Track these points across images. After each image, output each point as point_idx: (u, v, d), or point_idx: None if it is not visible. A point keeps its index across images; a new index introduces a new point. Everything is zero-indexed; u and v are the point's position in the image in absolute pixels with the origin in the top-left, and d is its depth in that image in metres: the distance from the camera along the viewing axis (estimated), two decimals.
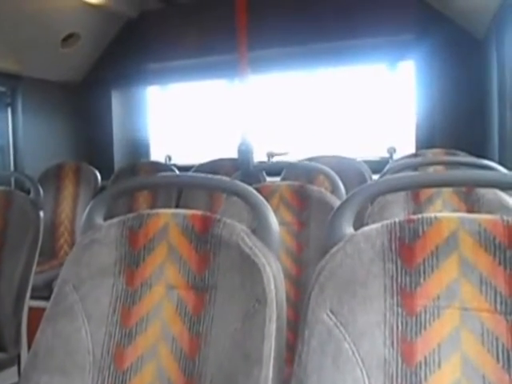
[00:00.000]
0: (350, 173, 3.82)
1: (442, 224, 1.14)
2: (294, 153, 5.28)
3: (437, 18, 4.38)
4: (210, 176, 1.54)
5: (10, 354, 2.42)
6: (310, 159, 3.96)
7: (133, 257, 1.43)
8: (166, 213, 1.45)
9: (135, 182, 1.75)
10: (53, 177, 4.61)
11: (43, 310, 1.42)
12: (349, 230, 1.26)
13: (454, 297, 1.10)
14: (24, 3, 4.22)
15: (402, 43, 4.73)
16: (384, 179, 1.35)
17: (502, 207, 2.08)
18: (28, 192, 2.72)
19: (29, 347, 2.43)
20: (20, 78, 4.95)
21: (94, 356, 1.36)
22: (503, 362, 1.05)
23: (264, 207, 1.40)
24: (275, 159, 5.40)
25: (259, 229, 1.36)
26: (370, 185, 1.34)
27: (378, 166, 4.04)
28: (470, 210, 2.20)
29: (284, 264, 2.31)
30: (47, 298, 1.47)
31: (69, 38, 5.05)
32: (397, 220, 1.18)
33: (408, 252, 1.14)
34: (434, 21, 4.42)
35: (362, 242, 1.17)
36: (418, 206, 2.31)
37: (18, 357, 2.44)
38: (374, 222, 2.06)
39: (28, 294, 2.47)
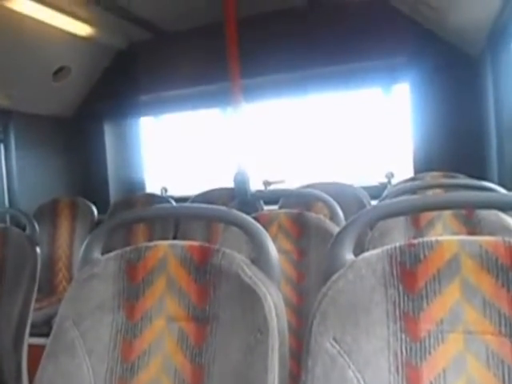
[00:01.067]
0: (348, 199, 3.81)
1: (443, 247, 1.13)
2: (291, 180, 5.28)
3: (430, 38, 4.40)
4: (207, 206, 1.53)
5: None
6: (307, 186, 3.95)
7: (132, 290, 1.42)
8: (164, 245, 1.44)
9: (132, 215, 1.75)
10: (48, 212, 4.60)
11: (43, 346, 1.41)
12: (349, 256, 1.25)
13: (458, 321, 1.10)
14: (13, 37, 4.24)
15: (395, 66, 4.75)
16: (383, 204, 1.34)
17: (503, 229, 2.07)
18: (24, 228, 2.71)
19: None
20: (11, 114, 4.97)
21: None
22: None
23: (263, 236, 1.39)
24: (272, 187, 5.40)
25: (259, 258, 1.36)
26: (369, 210, 1.33)
27: (376, 192, 4.04)
28: (471, 233, 2.19)
29: (284, 292, 2.30)
30: (47, 335, 1.46)
31: (59, 72, 5.08)
32: (397, 245, 1.17)
33: (409, 277, 1.13)
34: (427, 42, 4.43)
35: (363, 267, 1.16)
36: (419, 230, 2.30)
37: None
38: (374, 247, 2.05)
39: (27, 331, 2.45)
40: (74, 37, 4.72)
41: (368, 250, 2.06)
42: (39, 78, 4.93)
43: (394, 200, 1.34)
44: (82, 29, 4.72)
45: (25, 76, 4.73)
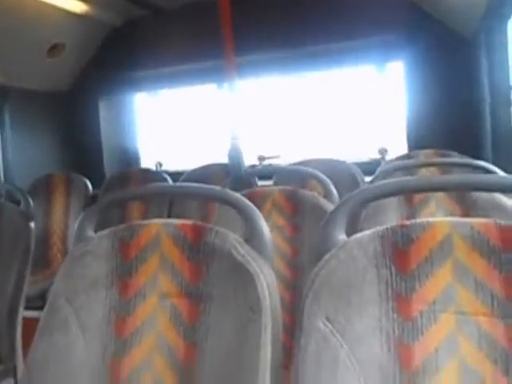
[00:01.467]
0: (342, 175, 3.81)
1: (435, 228, 1.14)
2: (285, 156, 5.28)
3: (425, 18, 4.38)
4: (201, 185, 1.53)
5: (6, 365, 2.41)
6: (301, 163, 3.96)
7: (125, 268, 1.42)
8: (157, 223, 1.44)
9: (126, 193, 1.75)
10: (43, 187, 4.60)
11: (37, 320, 1.41)
12: (341, 236, 1.26)
13: (450, 301, 1.10)
14: (8, 15, 4.21)
15: (390, 44, 4.72)
16: (377, 184, 1.34)
17: (498, 208, 2.07)
18: (18, 203, 2.72)
19: (24, 358, 2.42)
20: (7, 89, 4.94)
21: (90, 368, 1.35)
22: (501, 366, 1.05)
23: (255, 216, 1.39)
24: (266, 162, 5.40)
25: (252, 237, 1.36)
26: (362, 190, 1.33)
27: (369, 168, 4.04)
28: (465, 212, 2.20)
29: (278, 268, 2.31)
30: (41, 308, 1.47)
31: (54, 48, 5.05)
32: (389, 225, 1.18)
33: (402, 257, 1.14)
34: (422, 21, 4.41)
35: (355, 248, 1.17)
36: (412, 209, 2.30)
37: (14, 368, 2.43)
38: (368, 226, 2.06)
39: (22, 305, 2.46)
40: (68, 13, 4.68)
41: (362, 228, 2.07)
42: (34, 54, 4.90)
43: (389, 180, 1.34)
44: (77, 6, 4.68)
45: (20, 52, 4.70)
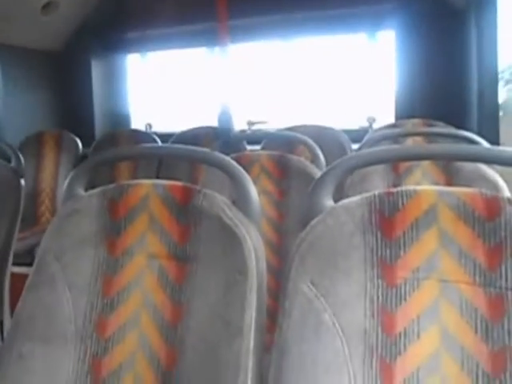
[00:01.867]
0: (330, 142, 3.82)
1: (421, 197, 1.15)
2: (274, 121, 5.28)
3: None
4: (190, 147, 1.54)
5: None
6: (290, 128, 3.95)
7: (114, 227, 1.43)
8: (147, 183, 1.45)
9: (116, 153, 1.75)
10: (33, 145, 4.59)
11: (25, 275, 1.43)
12: (329, 202, 1.27)
13: (434, 269, 1.12)
14: None
15: (382, 12, 4.70)
16: (365, 152, 1.35)
17: (481, 178, 2.09)
18: (9, 160, 2.71)
19: (11, 313, 2.44)
20: None
21: (76, 325, 1.36)
22: (481, 333, 1.07)
23: (244, 179, 1.40)
24: (255, 127, 5.39)
25: (240, 200, 1.37)
26: (350, 157, 1.34)
27: (357, 136, 4.05)
28: (449, 181, 2.22)
29: (265, 232, 2.33)
30: (29, 264, 1.48)
31: (48, 6, 4.98)
32: (376, 193, 1.19)
33: (388, 224, 1.15)
34: None
35: (343, 214, 1.18)
36: (398, 176, 2.32)
37: (1, 323, 2.45)
38: (354, 192, 2.07)
39: (10, 261, 2.47)
40: None
41: (347, 194, 2.09)
42: (27, 10, 4.82)
43: (376, 148, 1.35)
44: None
45: (13, 8, 4.63)
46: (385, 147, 1.39)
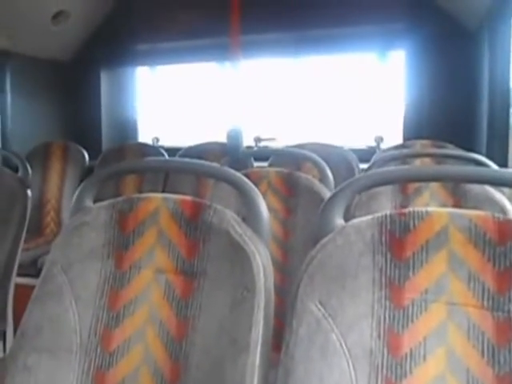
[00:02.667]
0: (337, 161, 3.83)
1: (433, 219, 1.15)
2: (282, 139, 5.28)
3: (429, 8, 4.38)
4: (200, 161, 1.54)
5: None
6: (298, 146, 3.96)
7: (122, 240, 1.43)
8: (157, 197, 1.45)
9: (125, 166, 1.76)
10: (40, 155, 4.60)
11: (28, 286, 1.43)
12: (339, 221, 1.27)
13: (442, 291, 1.11)
14: None
15: (393, 32, 4.73)
16: (377, 172, 1.35)
17: (488, 201, 2.09)
18: (16, 170, 2.72)
19: (14, 324, 2.44)
20: (9, 55, 4.91)
21: (81, 338, 1.36)
22: (488, 357, 1.06)
23: (255, 195, 1.41)
24: (262, 144, 5.41)
25: (249, 216, 1.37)
26: (361, 177, 1.34)
27: (364, 155, 4.06)
28: (457, 204, 2.22)
29: (270, 250, 2.32)
30: (33, 276, 1.49)
31: (59, 16, 5.01)
32: (388, 213, 1.19)
33: (398, 245, 1.15)
34: (426, 11, 4.41)
35: (353, 233, 1.18)
36: (406, 197, 2.32)
37: (4, 334, 2.45)
38: (361, 212, 2.08)
39: (15, 272, 2.47)
40: None
41: (355, 214, 2.09)
42: (39, 20, 4.87)
43: (387, 169, 1.35)
44: None
45: (25, 18, 4.67)
46: (395, 168, 1.39)
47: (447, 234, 1.13)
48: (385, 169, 1.36)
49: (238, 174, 1.46)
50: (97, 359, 1.35)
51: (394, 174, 1.34)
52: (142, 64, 6.03)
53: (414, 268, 1.14)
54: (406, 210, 1.18)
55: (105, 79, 5.85)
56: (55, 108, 5.61)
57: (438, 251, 1.13)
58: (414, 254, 1.14)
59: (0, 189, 2.54)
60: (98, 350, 1.36)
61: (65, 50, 5.58)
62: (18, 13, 4.56)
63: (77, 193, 1.56)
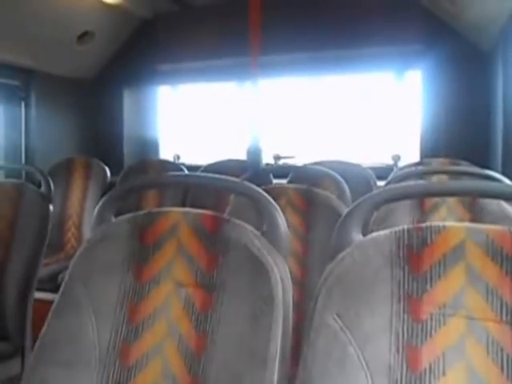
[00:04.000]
0: (355, 178, 3.83)
1: (450, 233, 1.15)
2: (300, 156, 5.30)
3: (445, 29, 4.42)
4: (221, 176, 1.55)
5: (15, 344, 2.44)
6: (316, 163, 3.98)
7: (142, 254, 1.44)
8: (177, 211, 1.46)
9: (147, 181, 1.77)
10: (63, 171, 4.65)
11: (47, 301, 1.43)
12: (357, 236, 1.28)
13: (461, 305, 1.11)
14: (42, 1, 4.25)
15: (409, 53, 4.76)
16: (393, 187, 1.36)
17: (504, 217, 2.10)
18: (38, 185, 2.74)
19: (32, 338, 2.46)
20: (34, 73, 4.97)
21: (100, 351, 1.37)
22: (508, 372, 1.05)
23: (274, 210, 1.42)
24: (281, 162, 5.43)
25: (268, 231, 1.38)
26: (378, 192, 1.35)
27: (382, 173, 4.08)
28: (474, 219, 2.22)
29: (289, 265, 2.32)
30: (52, 291, 1.50)
31: (84, 36, 5.10)
32: (405, 227, 1.19)
33: (415, 259, 1.15)
34: (442, 32, 4.45)
35: (371, 248, 1.18)
36: (423, 213, 2.32)
37: (22, 348, 2.46)
38: (379, 227, 2.08)
39: (34, 286, 2.49)
40: (100, 3, 4.74)
41: (372, 229, 2.09)
42: (64, 40, 4.95)
43: (403, 184, 1.36)
44: None
45: (50, 38, 4.75)
46: (413, 182, 1.40)
47: (464, 248, 1.13)
48: (402, 184, 1.37)
49: (258, 189, 1.47)
50: (115, 373, 1.35)
51: (412, 188, 1.34)
52: (164, 83, 6.11)
53: (431, 282, 1.13)
54: (423, 225, 1.18)
55: (127, 98, 5.90)
56: (78, 125, 5.67)
57: (455, 265, 1.13)
58: (431, 267, 1.14)
59: (22, 204, 2.57)
60: (117, 363, 1.36)
61: (89, 69, 5.66)
62: (45, 33, 4.64)
63: (98, 207, 1.58)
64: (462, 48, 4.33)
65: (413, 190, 1.34)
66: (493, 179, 2.32)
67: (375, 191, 1.36)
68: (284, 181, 3.92)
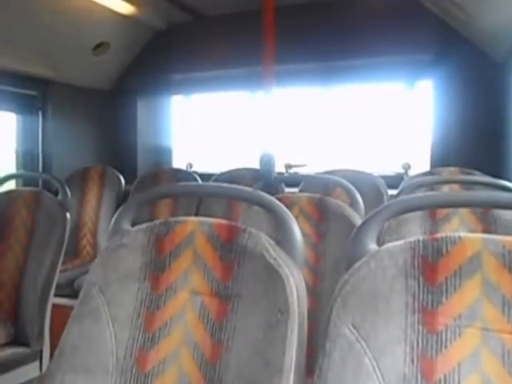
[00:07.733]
0: (367, 187, 3.84)
1: (466, 244, 1.15)
2: (312, 165, 5.31)
3: (457, 39, 4.40)
4: (235, 186, 1.56)
5: (33, 349, 2.46)
6: (328, 172, 4.00)
7: (159, 262, 1.45)
8: (193, 221, 1.47)
9: (164, 190, 1.78)
10: (79, 179, 4.72)
11: (65, 307, 1.45)
12: (372, 246, 1.29)
13: (476, 317, 1.11)
14: (59, 13, 4.29)
15: (421, 63, 4.74)
16: (408, 198, 1.36)
17: None
18: (56, 193, 2.77)
19: (51, 343, 2.48)
20: (51, 83, 5.00)
21: (117, 358, 1.38)
22: None
23: (289, 218, 1.43)
24: (293, 171, 5.44)
25: (283, 240, 1.39)
26: (393, 203, 1.36)
27: (392, 181, 4.08)
28: (487, 230, 2.21)
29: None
30: (69, 296, 1.51)
31: (99, 47, 5.12)
32: (420, 238, 1.19)
33: (431, 270, 1.15)
34: (453, 42, 4.43)
35: (386, 258, 1.18)
36: (435, 223, 2.32)
37: (40, 352, 2.48)
38: (391, 237, 2.08)
39: (52, 292, 2.51)
40: (115, 14, 4.77)
41: (384, 240, 2.09)
42: (80, 51, 4.98)
43: (418, 195, 1.36)
44: (124, 7, 4.76)
45: (67, 49, 4.79)
46: (427, 194, 1.40)
47: (480, 259, 1.13)
48: (416, 195, 1.37)
49: (272, 198, 1.48)
50: (132, 380, 1.37)
51: (426, 200, 1.35)
52: (177, 93, 6.12)
53: (446, 293, 1.13)
54: (438, 235, 1.19)
55: (141, 107, 5.91)
56: (94, 134, 5.69)
57: (471, 276, 1.13)
58: (446, 278, 1.14)
59: (41, 211, 2.60)
60: (134, 370, 1.37)
61: (104, 79, 5.68)
62: (61, 44, 4.67)
63: (116, 216, 1.60)
64: (473, 58, 4.32)
65: (428, 201, 1.35)
66: (505, 189, 2.32)
67: (390, 202, 1.37)
68: (295, 189, 3.94)
